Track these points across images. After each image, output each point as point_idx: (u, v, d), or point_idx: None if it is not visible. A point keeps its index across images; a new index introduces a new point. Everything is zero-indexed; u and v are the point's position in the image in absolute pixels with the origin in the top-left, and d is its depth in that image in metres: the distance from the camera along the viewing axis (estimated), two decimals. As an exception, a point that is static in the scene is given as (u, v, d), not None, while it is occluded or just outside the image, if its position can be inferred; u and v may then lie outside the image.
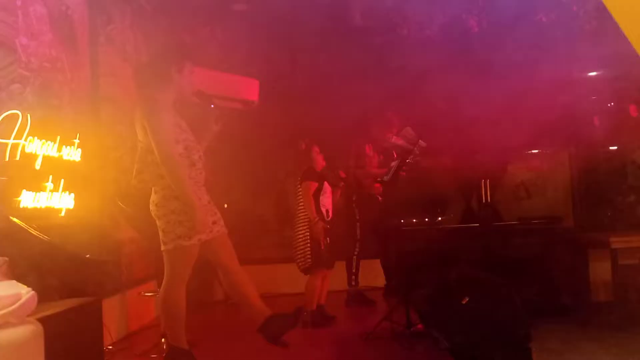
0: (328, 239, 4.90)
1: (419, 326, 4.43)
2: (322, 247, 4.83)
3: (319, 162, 5.05)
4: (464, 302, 3.93)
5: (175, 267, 3.31)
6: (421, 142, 5.12)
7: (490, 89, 6.09)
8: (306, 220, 4.86)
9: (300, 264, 4.90)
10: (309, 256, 4.84)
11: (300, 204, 4.95)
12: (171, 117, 3.32)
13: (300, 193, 4.95)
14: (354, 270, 5.81)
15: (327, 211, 5.00)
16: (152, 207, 3.34)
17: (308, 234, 4.83)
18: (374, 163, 6.00)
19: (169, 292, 3.33)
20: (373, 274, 6.00)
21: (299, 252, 4.89)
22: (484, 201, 6.08)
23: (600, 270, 4.81)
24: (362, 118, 6.12)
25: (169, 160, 3.19)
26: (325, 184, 5.02)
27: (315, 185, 4.91)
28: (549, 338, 4.29)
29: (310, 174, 4.96)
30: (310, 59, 6.75)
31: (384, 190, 5.80)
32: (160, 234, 3.30)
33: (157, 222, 3.32)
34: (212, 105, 3.58)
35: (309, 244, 4.83)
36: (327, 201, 5.03)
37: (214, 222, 3.42)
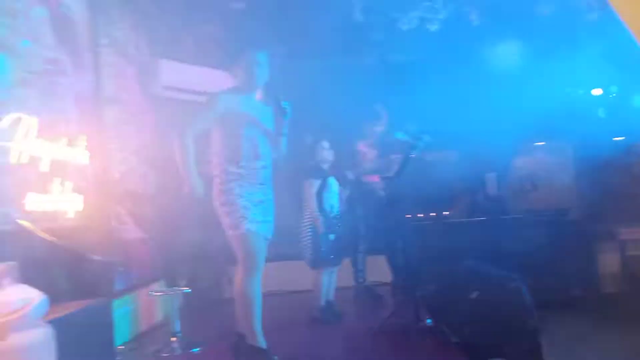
0: (333, 235, 4.88)
1: (428, 321, 4.42)
2: (325, 244, 4.81)
3: (325, 158, 5.02)
4: (472, 296, 3.92)
5: (242, 254, 3.43)
6: (426, 137, 5.10)
7: (492, 81, 6.09)
8: (310, 217, 4.85)
9: (306, 260, 4.90)
10: (312, 253, 4.83)
11: (305, 201, 4.93)
12: (239, 110, 3.49)
13: (304, 190, 4.92)
14: (360, 267, 5.78)
15: (331, 207, 4.98)
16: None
17: (311, 231, 4.82)
18: (369, 158, 5.92)
19: (243, 281, 3.43)
20: (380, 270, 5.98)
21: (304, 249, 4.89)
22: (490, 194, 6.06)
23: (609, 261, 4.79)
24: (351, 114, 6.05)
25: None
26: (331, 179, 4.99)
27: (317, 182, 4.89)
28: (558, 331, 4.27)
29: (313, 172, 4.94)
30: (309, 55, 6.70)
31: (389, 186, 5.76)
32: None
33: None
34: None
35: (311, 241, 4.82)
36: (332, 197, 5.01)
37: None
